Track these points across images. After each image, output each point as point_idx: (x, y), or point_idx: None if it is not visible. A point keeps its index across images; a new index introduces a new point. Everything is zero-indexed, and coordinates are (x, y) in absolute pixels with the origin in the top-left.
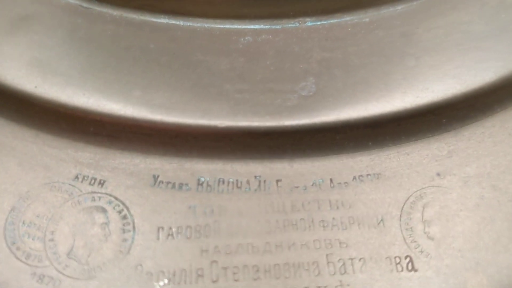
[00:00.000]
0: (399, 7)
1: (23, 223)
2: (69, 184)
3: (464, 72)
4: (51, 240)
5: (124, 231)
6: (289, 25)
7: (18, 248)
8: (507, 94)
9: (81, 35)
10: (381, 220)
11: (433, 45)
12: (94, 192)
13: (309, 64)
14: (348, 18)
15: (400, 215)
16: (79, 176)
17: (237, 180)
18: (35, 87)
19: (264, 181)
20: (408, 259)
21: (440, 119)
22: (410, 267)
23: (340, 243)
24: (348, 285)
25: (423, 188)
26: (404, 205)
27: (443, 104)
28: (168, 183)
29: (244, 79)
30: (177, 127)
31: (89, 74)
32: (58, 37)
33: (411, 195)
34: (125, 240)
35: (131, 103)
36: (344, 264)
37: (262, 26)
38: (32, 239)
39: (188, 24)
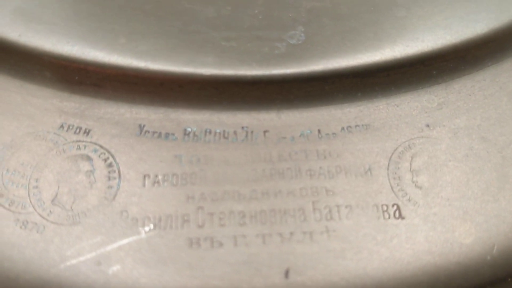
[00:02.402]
0: None
1: (7, 170)
2: (54, 133)
3: (455, 22)
4: (35, 187)
5: (109, 178)
6: None
7: (1, 195)
8: (499, 48)
9: None
10: (369, 169)
11: None
12: (79, 141)
13: (298, 13)
14: None
15: (388, 165)
16: (64, 125)
17: (224, 131)
18: (19, 35)
19: (252, 132)
20: (395, 207)
21: (430, 71)
22: (397, 215)
23: (326, 190)
24: (334, 230)
25: (412, 138)
26: (392, 155)
27: (433, 54)
28: (154, 132)
29: (231, 27)
30: (162, 74)
31: (73, 22)
32: None
33: (399, 145)
34: (110, 187)
35: (115, 51)
36: (330, 211)
37: None
38: (16, 186)
39: None
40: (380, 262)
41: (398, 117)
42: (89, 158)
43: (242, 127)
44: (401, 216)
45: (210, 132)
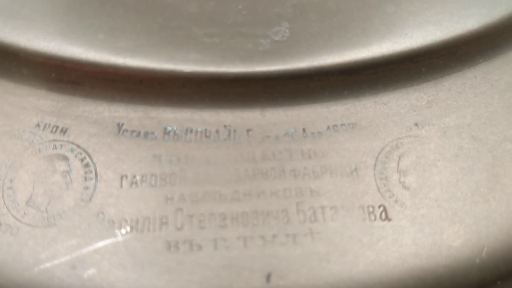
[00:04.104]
0: None
1: None
2: (30, 132)
3: (445, 18)
4: (10, 188)
5: (86, 179)
6: None
7: None
8: (490, 44)
9: None
10: (355, 169)
11: None
12: (56, 140)
13: (284, 8)
14: None
15: (375, 165)
16: (40, 124)
17: (205, 130)
18: None
19: (234, 130)
20: (381, 208)
21: (419, 68)
22: (383, 216)
23: (311, 191)
24: (318, 233)
25: (400, 138)
26: (379, 154)
27: (422, 51)
28: (133, 131)
29: (214, 23)
30: (141, 71)
31: (52, 18)
32: None
33: (386, 145)
34: (86, 188)
35: (94, 47)
36: (314, 212)
37: None
38: None
39: None
40: (365, 265)
41: (385, 116)
42: (65, 158)
43: (225, 126)
44: (387, 218)
45: (191, 131)
